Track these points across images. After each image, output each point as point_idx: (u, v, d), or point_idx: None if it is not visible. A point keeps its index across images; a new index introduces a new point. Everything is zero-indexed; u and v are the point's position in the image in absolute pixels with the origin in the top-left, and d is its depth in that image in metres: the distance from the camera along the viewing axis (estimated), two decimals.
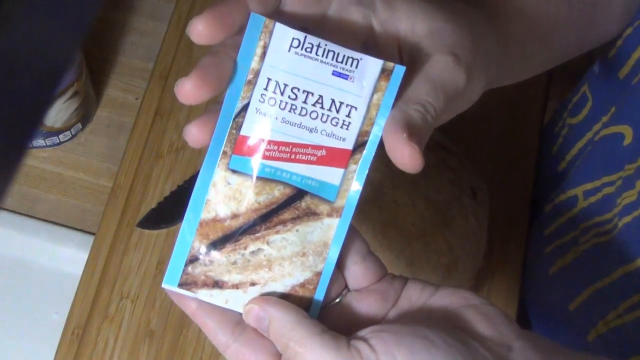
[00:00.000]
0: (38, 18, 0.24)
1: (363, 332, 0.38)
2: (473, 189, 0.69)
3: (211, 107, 0.40)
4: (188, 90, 0.38)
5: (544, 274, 0.71)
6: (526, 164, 0.81)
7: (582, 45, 0.59)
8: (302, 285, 0.41)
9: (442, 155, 0.69)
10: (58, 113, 0.79)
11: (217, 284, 0.40)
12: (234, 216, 0.40)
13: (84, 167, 0.84)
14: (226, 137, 0.39)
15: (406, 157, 0.38)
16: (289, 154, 0.40)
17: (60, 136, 0.82)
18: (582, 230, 0.65)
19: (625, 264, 0.59)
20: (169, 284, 0.40)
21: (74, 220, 0.81)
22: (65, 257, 0.80)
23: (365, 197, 0.66)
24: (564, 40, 0.56)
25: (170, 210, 0.77)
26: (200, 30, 0.37)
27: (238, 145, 0.39)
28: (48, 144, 0.82)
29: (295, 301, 0.40)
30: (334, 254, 0.41)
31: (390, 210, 0.65)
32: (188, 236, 0.40)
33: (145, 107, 0.81)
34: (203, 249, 0.40)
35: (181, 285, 0.40)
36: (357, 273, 0.42)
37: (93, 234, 0.77)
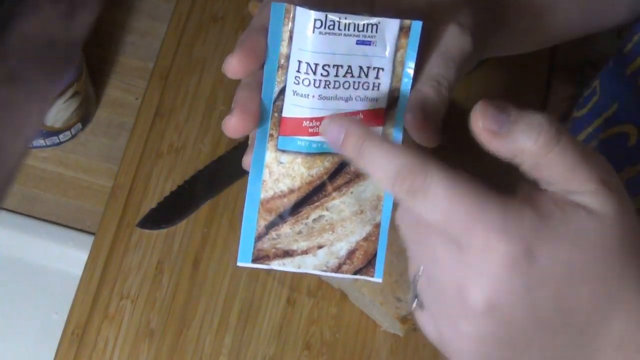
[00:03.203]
0: None
1: None
2: None
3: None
4: (234, 124, 0.41)
5: None
6: None
7: (587, 22, 0.58)
8: (365, 239, 0.44)
9: (442, 155, 0.69)
10: (58, 113, 0.79)
11: (287, 253, 0.43)
12: (291, 191, 0.43)
13: (84, 167, 0.84)
14: (270, 121, 0.42)
15: (423, 136, 0.42)
16: None
17: (60, 136, 0.82)
18: None
19: None
20: (244, 262, 0.43)
21: (74, 220, 0.81)
22: (65, 257, 0.80)
23: None
24: (568, 13, 0.56)
25: (170, 210, 0.77)
26: (235, 65, 0.40)
27: (282, 127, 0.42)
28: (48, 144, 0.82)
29: (361, 254, 0.44)
30: (388, 203, 0.44)
31: None
32: (252, 216, 0.43)
33: (145, 107, 0.81)
34: (268, 225, 0.43)
35: (254, 260, 0.43)
36: None
37: (93, 234, 0.77)
